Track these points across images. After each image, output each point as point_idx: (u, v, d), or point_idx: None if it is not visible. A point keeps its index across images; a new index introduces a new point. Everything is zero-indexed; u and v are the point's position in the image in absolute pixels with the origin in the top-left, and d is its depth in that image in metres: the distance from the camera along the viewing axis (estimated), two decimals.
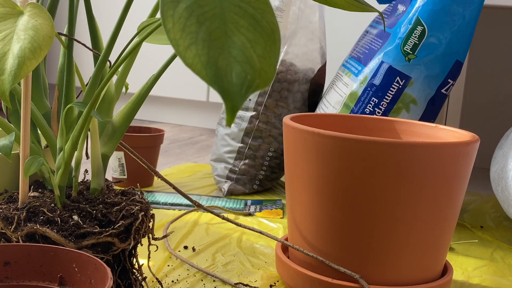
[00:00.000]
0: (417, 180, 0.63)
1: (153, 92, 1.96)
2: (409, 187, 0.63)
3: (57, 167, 0.60)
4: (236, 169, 1.16)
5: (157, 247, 0.68)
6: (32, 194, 0.61)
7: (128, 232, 0.58)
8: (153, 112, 2.09)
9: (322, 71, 1.21)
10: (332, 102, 1.08)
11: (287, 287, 0.73)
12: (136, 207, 0.60)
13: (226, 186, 1.16)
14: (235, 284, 0.73)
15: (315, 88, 1.20)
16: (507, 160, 0.85)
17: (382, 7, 1.26)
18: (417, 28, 0.98)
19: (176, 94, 2.00)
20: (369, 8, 0.61)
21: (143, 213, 0.60)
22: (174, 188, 0.68)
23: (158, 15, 0.64)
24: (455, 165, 0.64)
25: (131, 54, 0.55)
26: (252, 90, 0.38)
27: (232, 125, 1.18)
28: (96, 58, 0.63)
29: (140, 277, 0.63)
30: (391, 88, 1.00)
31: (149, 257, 0.65)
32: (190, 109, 2.05)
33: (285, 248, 0.77)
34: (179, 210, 1.02)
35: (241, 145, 1.16)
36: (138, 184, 0.78)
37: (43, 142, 0.71)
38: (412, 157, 0.62)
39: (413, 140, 0.70)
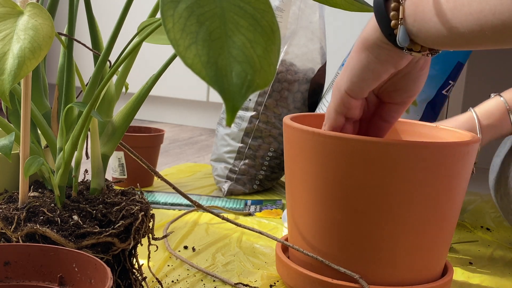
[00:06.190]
0: (417, 180, 0.63)
1: (153, 92, 1.96)
2: (409, 187, 0.63)
3: (57, 167, 0.60)
4: (236, 169, 1.16)
5: (157, 247, 0.68)
6: (32, 194, 0.61)
7: (128, 232, 0.58)
8: (153, 112, 2.09)
9: (322, 71, 1.21)
10: None
11: (287, 287, 0.73)
12: (136, 207, 0.60)
13: (226, 186, 1.15)
14: (235, 284, 0.72)
15: (315, 88, 1.20)
16: (505, 167, 0.85)
17: None
18: None
19: (176, 94, 2.00)
20: (369, 8, 0.61)
21: (143, 213, 0.60)
22: (174, 188, 0.68)
23: (158, 15, 0.64)
24: (455, 165, 0.64)
25: (131, 54, 0.55)
26: (252, 90, 0.38)
27: (232, 125, 1.18)
28: (96, 58, 0.63)
29: (140, 277, 0.63)
30: None
31: (149, 257, 0.65)
32: (190, 109, 2.05)
33: (285, 248, 0.77)
34: (179, 210, 1.02)
35: (241, 145, 1.16)
36: (138, 184, 0.78)
37: (43, 142, 0.71)
38: (412, 157, 0.62)
39: (413, 140, 0.70)
